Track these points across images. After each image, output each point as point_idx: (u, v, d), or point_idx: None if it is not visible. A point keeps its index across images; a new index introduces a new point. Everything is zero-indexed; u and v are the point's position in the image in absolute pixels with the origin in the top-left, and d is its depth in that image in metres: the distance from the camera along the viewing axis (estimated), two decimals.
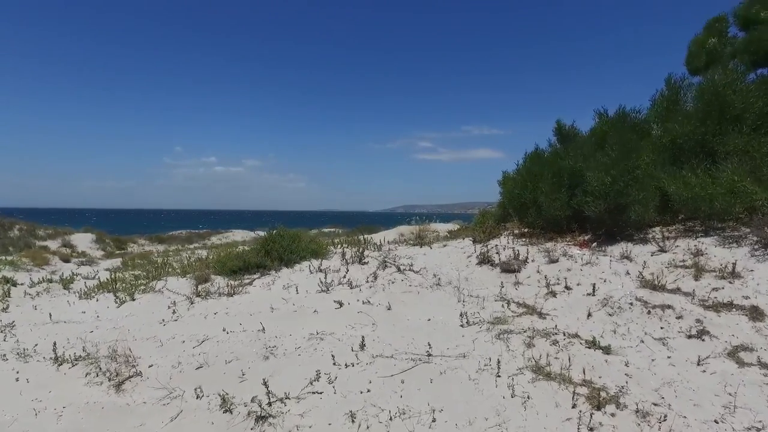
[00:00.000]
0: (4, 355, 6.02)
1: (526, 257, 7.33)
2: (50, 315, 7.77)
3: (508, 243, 8.47)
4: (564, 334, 4.88)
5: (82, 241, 25.54)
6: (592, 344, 4.55)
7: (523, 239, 8.63)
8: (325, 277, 7.32)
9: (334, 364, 4.65)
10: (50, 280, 11.85)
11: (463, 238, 10.20)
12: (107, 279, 10.08)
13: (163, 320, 6.64)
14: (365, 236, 11.27)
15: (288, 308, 6.51)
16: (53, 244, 24.16)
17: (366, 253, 8.78)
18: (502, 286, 6.51)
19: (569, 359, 4.34)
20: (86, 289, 9.51)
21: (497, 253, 7.95)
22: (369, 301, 6.39)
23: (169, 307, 7.14)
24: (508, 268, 7.20)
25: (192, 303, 7.24)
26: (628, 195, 7.39)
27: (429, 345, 4.77)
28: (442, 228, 20.54)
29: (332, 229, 28.02)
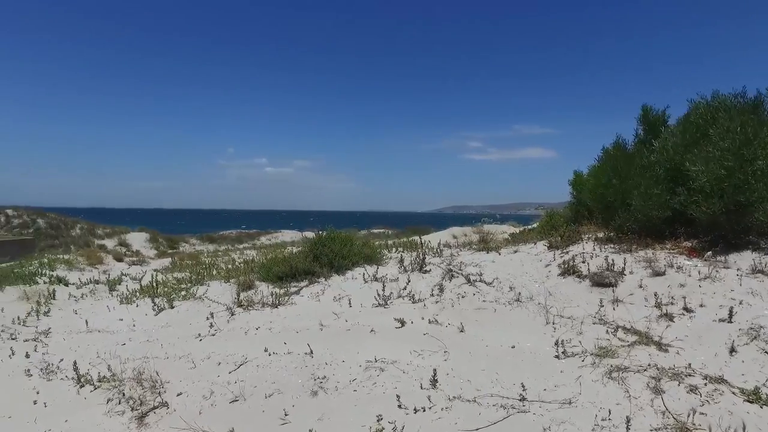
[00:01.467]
0: (29, 370, 5.41)
1: (623, 268, 6.07)
2: (87, 322, 7.21)
3: (594, 250, 7.19)
4: (703, 377, 3.67)
5: (137, 240, 25.89)
6: (754, 397, 3.32)
7: (612, 245, 7.34)
8: (383, 289, 6.33)
9: (400, 406, 3.65)
10: (97, 282, 11.53)
11: (535, 243, 8.97)
12: (149, 283, 9.54)
13: (200, 335, 5.86)
14: (420, 238, 10.23)
15: (340, 325, 5.57)
16: (110, 243, 24.58)
17: (426, 259, 7.74)
18: (601, 305, 5.30)
19: (722, 418, 3.14)
20: (128, 293, 8.99)
21: (583, 261, 6.71)
22: (436, 320, 5.34)
23: (207, 319, 6.37)
24: (600, 281, 5.97)
25: (232, 314, 6.44)
26: (753, 191, 5.99)
27: (523, 386, 3.68)
28: (498, 230, 19.20)
29: (382, 230, 27.14)
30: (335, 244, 8.07)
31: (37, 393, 4.85)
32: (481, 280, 6.51)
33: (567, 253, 7.41)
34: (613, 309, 5.29)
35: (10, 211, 32.11)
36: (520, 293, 5.98)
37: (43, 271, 12.73)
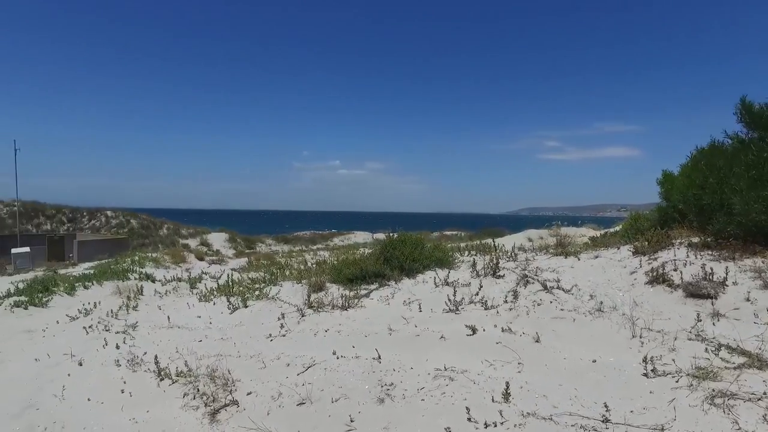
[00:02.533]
0: (118, 361, 5.76)
1: (724, 278, 5.44)
2: (168, 318, 7.60)
3: (687, 257, 6.54)
4: None
5: (217, 240, 27.33)
6: None
7: (710, 252, 6.63)
8: (454, 294, 6.12)
9: (470, 419, 3.44)
10: (180, 279, 12.21)
11: (618, 248, 8.35)
12: (226, 282, 9.93)
13: (271, 335, 5.95)
14: (494, 241, 9.86)
15: (409, 330, 5.43)
16: (193, 243, 26.15)
17: (500, 263, 7.41)
18: (698, 319, 4.76)
19: None
20: (206, 291, 9.40)
21: (675, 269, 6.12)
22: (510, 329, 5.06)
23: (278, 319, 6.48)
24: (696, 292, 5.38)
25: (303, 315, 6.50)
26: None
27: (606, 406, 3.35)
28: (576, 233, 18.18)
29: (454, 232, 26.73)
30: (406, 246, 7.95)
31: (124, 383, 5.13)
32: (558, 287, 6.11)
33: (655, 259, 6.80)
34: (713, 324, 4.74)
35: (109, 212, 35.14)
36: (602, 302, 5.53)
37: (134, 268, 13.70)
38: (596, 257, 7.82)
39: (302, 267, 11.00)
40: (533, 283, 6.33)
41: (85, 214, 35.76)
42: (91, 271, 13.78)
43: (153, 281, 12.15)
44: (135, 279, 12.06)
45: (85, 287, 10.93)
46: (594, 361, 4.28)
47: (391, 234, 8.68)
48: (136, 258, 16.50)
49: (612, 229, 15.58)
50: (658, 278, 5.98)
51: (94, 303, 9.27)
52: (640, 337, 4.63)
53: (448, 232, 27.47)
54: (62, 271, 16.38)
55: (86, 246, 24.24)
